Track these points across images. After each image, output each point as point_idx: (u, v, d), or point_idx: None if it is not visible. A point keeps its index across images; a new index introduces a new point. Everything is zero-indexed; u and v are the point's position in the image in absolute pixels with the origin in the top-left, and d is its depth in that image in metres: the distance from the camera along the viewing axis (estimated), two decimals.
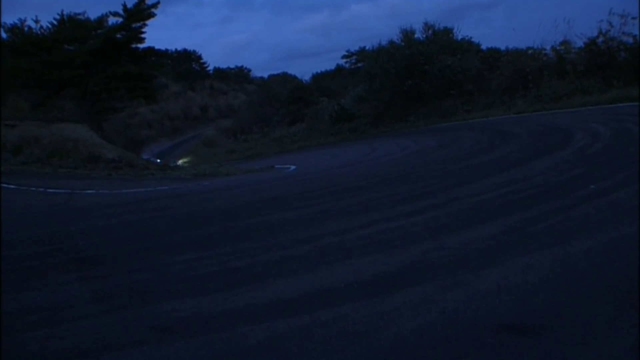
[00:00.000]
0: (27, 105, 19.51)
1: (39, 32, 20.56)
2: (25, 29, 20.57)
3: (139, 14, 19.92)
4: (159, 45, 58.62)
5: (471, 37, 26.07)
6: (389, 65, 23.77)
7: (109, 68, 19.82)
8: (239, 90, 58.54)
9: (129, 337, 2.46)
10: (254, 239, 4.28)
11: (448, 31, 25.63)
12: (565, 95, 18.66)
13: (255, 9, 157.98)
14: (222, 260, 3.70)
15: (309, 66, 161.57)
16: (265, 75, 67.08)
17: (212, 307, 2.76)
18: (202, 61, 60.27)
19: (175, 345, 2.33)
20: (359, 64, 40.01)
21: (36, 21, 22.53)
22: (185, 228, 5.31)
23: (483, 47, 25.99)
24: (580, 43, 20.76)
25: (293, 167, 14.48)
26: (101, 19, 20.45)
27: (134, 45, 20.96)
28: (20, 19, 20.94)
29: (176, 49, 57.10)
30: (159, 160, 17.60)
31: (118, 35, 20.21)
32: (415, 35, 25.60)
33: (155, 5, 19.95)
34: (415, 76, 23.23)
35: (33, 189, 10.78)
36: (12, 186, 10.84)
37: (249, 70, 66.58)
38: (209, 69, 61.24)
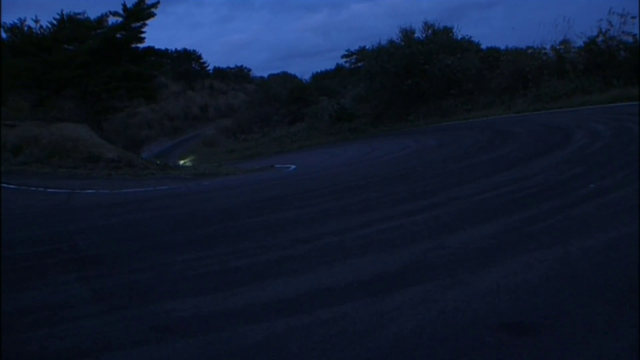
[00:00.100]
0: (27, 105, 19.56)
1: (38, 32, 20.56)
2: (25, 28, 20.59)
3: (139, 14, 19.94)
4: (159, 45, 59.08)
5: (471, 37, 26.20)
6: (388, 65, 23.78)
7: (109, 68, 19.80)
8: (239, 89, 58.54)
9: (129, 337, 2.46)
10: (254, 238, 4.27)
11: (448, 30, 25.64)
12: (565, 94, 18.66)
13: (255, 8, 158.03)
14: (222, 259, 3.70)
15: (309, 66, 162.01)
16: (265, 74, 67.25)
17: (212, 307, 2.76)
18: (201, 61, 60.43)
19: (175, 345, 2.32)
20: (359, 64, 40.04)
21: (36, 21, 22.62)
22: (185, 228, 5.31)
23: (483, 46, 26.14)
24: (580, 42, 20.84)
25: (293, 166, 14.48)
26: (101, 19, 20.47)
27: (133, 45, 21.00)
28: (20, 19, 20.93)
29: (176, 49, 57.30)
30: (158, 162, 17.58)
31: (118, 35, 20.23)
32: (415, 35, 25.63)
33: (155, 5, 20.01)
34: (415, 75, 23.24)
35: (33, 188, 10.79)
36: (12, 186, 10.86)
37: (249, 70, 66.73)
38: (208, 68, 61.41)
